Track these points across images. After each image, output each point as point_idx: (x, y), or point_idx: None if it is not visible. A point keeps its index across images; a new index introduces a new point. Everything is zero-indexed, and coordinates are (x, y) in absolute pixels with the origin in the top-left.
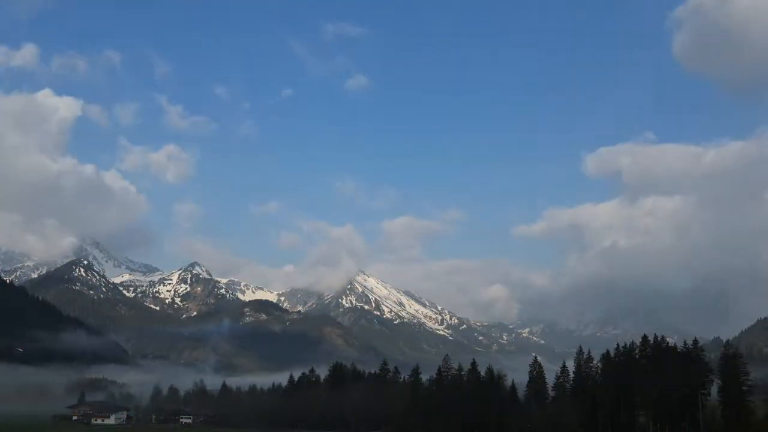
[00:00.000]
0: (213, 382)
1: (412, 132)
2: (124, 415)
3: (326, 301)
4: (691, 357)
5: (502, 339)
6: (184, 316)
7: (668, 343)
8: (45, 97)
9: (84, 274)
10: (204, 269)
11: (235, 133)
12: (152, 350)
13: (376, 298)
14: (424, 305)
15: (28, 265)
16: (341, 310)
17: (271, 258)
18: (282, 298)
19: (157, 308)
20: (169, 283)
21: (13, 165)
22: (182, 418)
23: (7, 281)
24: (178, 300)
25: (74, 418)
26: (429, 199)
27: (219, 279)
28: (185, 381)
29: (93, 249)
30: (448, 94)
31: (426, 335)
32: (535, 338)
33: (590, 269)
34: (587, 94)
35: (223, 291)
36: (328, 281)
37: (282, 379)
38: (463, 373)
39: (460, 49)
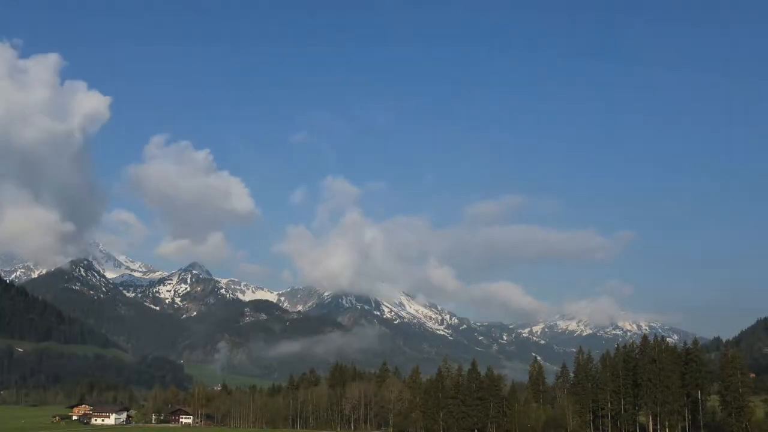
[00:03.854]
0: (213, 381)
1: None
2: (124, 415)
3: (326, 301)
4: (691, 357)
5: (502, 339)
6: (184, 316)
7: (668, 343)
8: None
9: (84, 274)
10: (204, 269)
11: None
12: (152, 350)
13: (376, 298)
14: (424, 305)
15: (28, 265)
16: (341, 310)
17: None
18: (282, 298)
19: (157, 308)
20: (169, 283)
21: None
22: (182, 418)
23: (7, 281)
24: (178, 300)
25: (74, 417)
26: None
27: (219, 279)
28: (185, 381)
29: (93, 249)
30: None
31: (426, 335)
32: (535, 338)
33: None
34: None
35: (223, 291)
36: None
37: (282, 379)
38: (463, 373)
39: None
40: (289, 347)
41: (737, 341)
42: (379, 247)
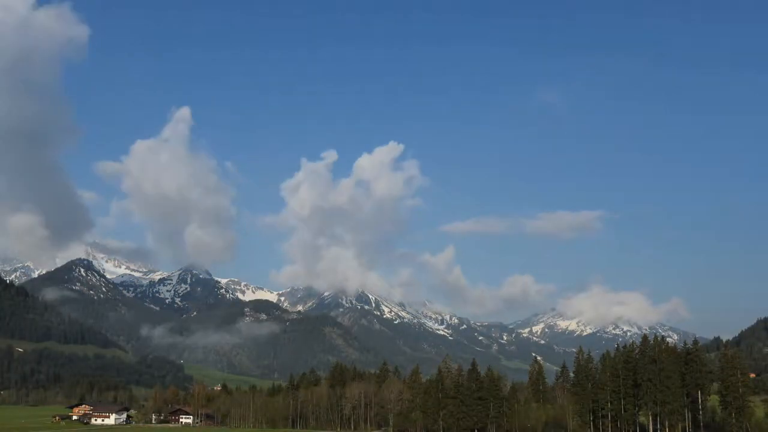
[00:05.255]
0: (213, 382)
1: None
2: (124, 415)
3: (326, 301)
4: (691, 357)
5: (502, 339)
6: (184, 316)
7: (668, 343)
8: None
9: (84, 274)
10: (204, 269)
11: None
12: (152, 350)
13: (376, 298)
14: (424, 305)
15: (28, 265)
16: (341, 310)
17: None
18: (282, 298)
19: (157, 308)
20: (169, 283)
21: None
22: (182, 418)
23: (7, 281)
24: (178, 300)
25: (74, 417)
26: None
27: (219, 279)
28: (185, 381)
29: (93, 249)
30: None
31: (426, 335)
32: (535, 338)
33: None
34: None
35: (223, 291)
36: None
37: (282, 379)
38: (463, 373)
39: None
40: (288, 347)
41: (737, 341)
42: (380, 246)
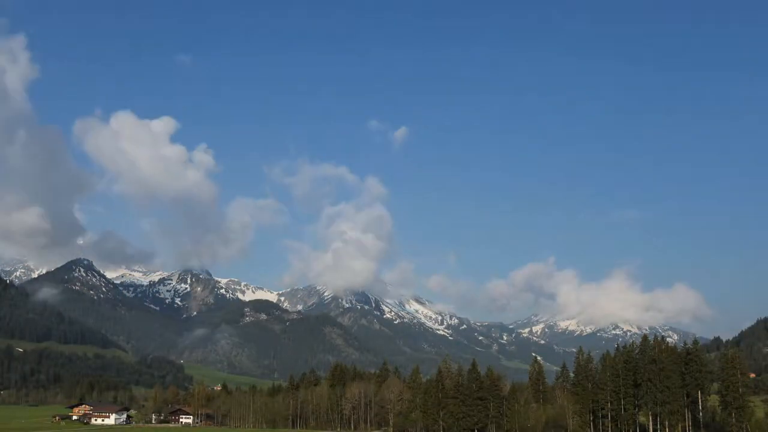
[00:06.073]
0: (213, 382)
1: None
2: (124, 415)
3: (326, 301)
4: (691, 357)
5: (502, 339)
6: (184, 316)
7: (668, 343)
8: None
9: (84, 274)
10: (204, 269)
11: None
12: (152, 350)
13: (376, 298)
14: (424, 305)
15: (28, 265)
16: (341, 310)
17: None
18: (282, 298)
19: (157, 308)
20: (169, 283)
21: None
22: (182, 418)
23: (7, 281)
24: (178, 300)
25: (74, 417)
26: None
27: (219, 279)
28: (185, 381)
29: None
30: None
31: (426, 335)
32: (535, 338)
33: None
34: None
35: (223, 291)
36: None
37: (282, 379)
38: (463, 373)
39: None
40: (288, 347)
41: (737, 341)
42: (380, 245)
